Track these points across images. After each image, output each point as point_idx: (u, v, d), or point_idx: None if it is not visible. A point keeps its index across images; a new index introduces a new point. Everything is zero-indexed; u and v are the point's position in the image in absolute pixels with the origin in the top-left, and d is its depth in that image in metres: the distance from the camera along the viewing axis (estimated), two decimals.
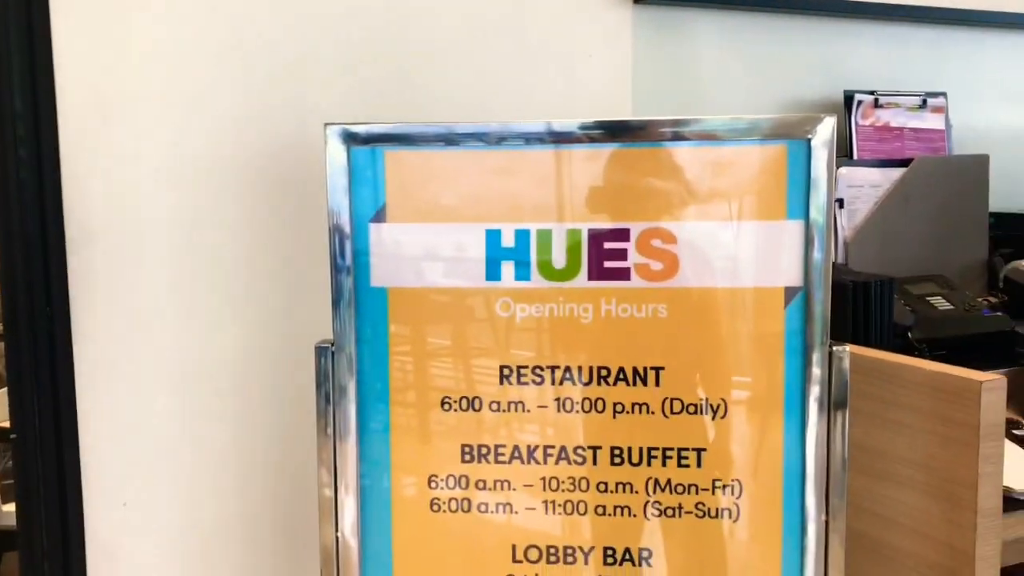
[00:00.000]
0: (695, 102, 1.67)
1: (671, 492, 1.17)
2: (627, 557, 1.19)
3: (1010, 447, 1.28)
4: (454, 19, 1.51)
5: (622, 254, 1.16)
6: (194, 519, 1.44)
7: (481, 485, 1.20)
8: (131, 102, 1.36)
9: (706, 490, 1.17)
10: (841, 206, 1.68)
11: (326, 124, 1.17)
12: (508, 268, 1.18)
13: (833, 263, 1.63)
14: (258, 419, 1.46)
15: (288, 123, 1.44)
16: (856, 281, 1.41)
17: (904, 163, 1.74)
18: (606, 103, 1.59)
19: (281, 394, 1.47)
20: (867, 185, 1.70)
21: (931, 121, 1.82)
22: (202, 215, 1.41)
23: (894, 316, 1.44)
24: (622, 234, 1.16)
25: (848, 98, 1.74)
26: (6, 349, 1.40)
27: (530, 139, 1.17)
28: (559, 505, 1.19)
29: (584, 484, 1.19)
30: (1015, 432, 1.42)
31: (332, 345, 1.18)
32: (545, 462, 1.19)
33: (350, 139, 1.17)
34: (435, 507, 1.20)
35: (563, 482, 1.19)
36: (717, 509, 1.17)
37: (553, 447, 1.19)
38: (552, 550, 1.20)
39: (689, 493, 1.17)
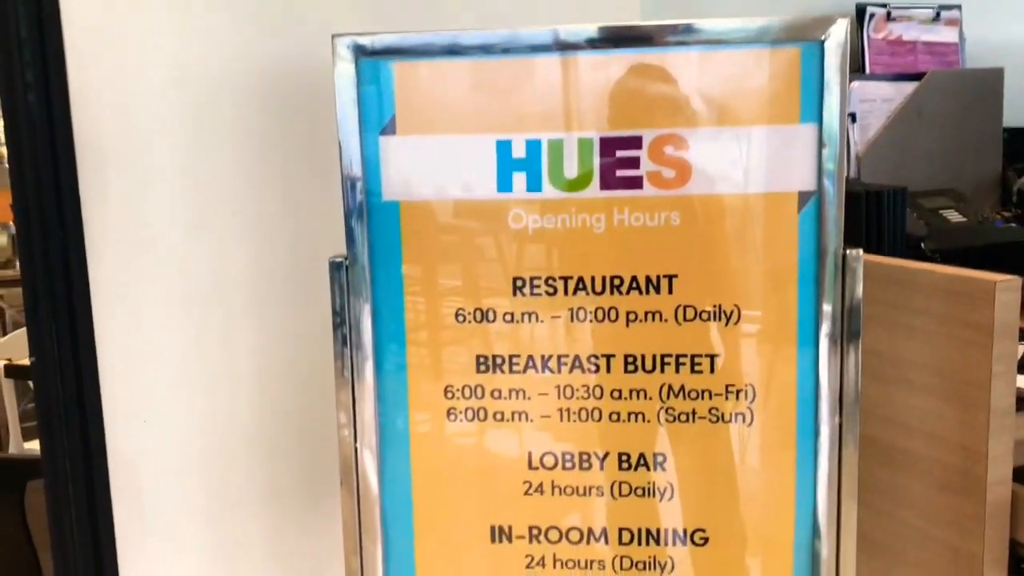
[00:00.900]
0: (704, 12, 1.64)
1: (684, 398, 1.19)
2: (641, 462, 1.20)
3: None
4: None
5: (634, 162, 1.16)
6: (213, 434, 1.46)
7: (496, 395, 1.21)
8: (136, 20, 1.35)
9: (719, 395, 1.18)
10: (853, 121, 1.67)
11: (334, 36, 1.16)
12: (520, 179, 1.18)
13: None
14: (273, 334, 1.48)
15: (296, 36, 1.42)
16: (869, 191, 1.40)
17: (917, 77, 1.72)
18: (614, 7, 1.57)
19: (295, 310, 1.48)
20: (879, 100, 1.69)
21: (945, 34, 1.79)
22: (212, 133, 1.40)
23: (907, 227, 1.44)
24: (634, 142, 1.16)
25: (860, 11, 1.72)
26: (22, 276, 1.41)
27: (538, 48, 1.16)
28: (574, 413, 1.21)
29: (598, 392, 1.20)
30: None
31: (346, 260, 1.19)
32: (559, 371, 1.20)
33: (358, 51, 1.16)
34: (451, 417, 1.22)
35: (577, 390, 1.20)
36: (731, 414, 1.18)
37: (567, 356, 1.20)
38: (567, 457, 1.21)
39: (703, 399, 1.18)
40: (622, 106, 1.16)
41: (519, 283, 1.19)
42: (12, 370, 3.03)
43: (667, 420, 1.19)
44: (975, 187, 1.78)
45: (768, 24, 1.13)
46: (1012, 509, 1.16)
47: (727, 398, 1.18)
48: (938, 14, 1.78)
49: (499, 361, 1.21)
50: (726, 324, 1.17)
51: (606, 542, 1.23)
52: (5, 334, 4.01)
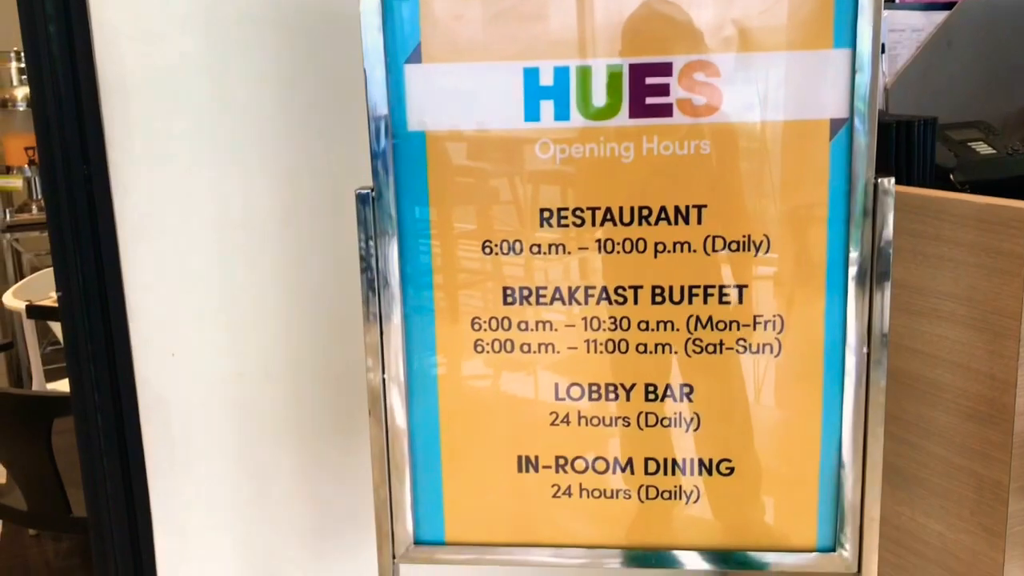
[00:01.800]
0: None
1: (712, 329, 1.18)
2: (668, 393, 1.21)
3: None
4: None
5: (664, 89, 1.14)
6: (242, 367, 1.47)
7: (523, 327, 1.21)
8: None
9: (747, 326, 1.18)
10: (883, 51, 1.64)
11: None
12: (547, 108, 1.16)
13: None
14: (299, 267, 1.48)
15: None
16: (899, 121, 1.38)
17: (948, 6, 1.68)
18: None
19: (322, 242, 1.48)
20: (909, 29, 1.65)
21: None
22: (236, 63, 1.39)
23: (936, 159, 1.42)
24: (664, 68, 1.14)
25: None
26: (47, 210, 1.41)
27: None
28: (600, 344, 1.21)
29: (625, 323, 1.20)
30: None
31: (372, 191, 1.18)
32: (586, 303, 1.20)
33: None
34: (478, 349, 1.22)
35: (604, 322, 1.20)
36: (758, 345, 1.18)
37: (594, 288, 1.20)
38: (594, 388, 1.22)
39: (730, 329, 1.18)
40: (652, 32, 1.14)
41: (546, 214, 1.19)
42: (34, 311, 3.05)
43: (694, 351, 1.19)
44: (1005, 118, 1.75)
45: None
46: None
47: (755, 329, 1.18)
48: None
49: (526, 293, 1.21)
50: (755, 255, 1.16)
51: (632, 472, 1.24)
52: (23, 277, 4.03)
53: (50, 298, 3.05)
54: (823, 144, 1.13)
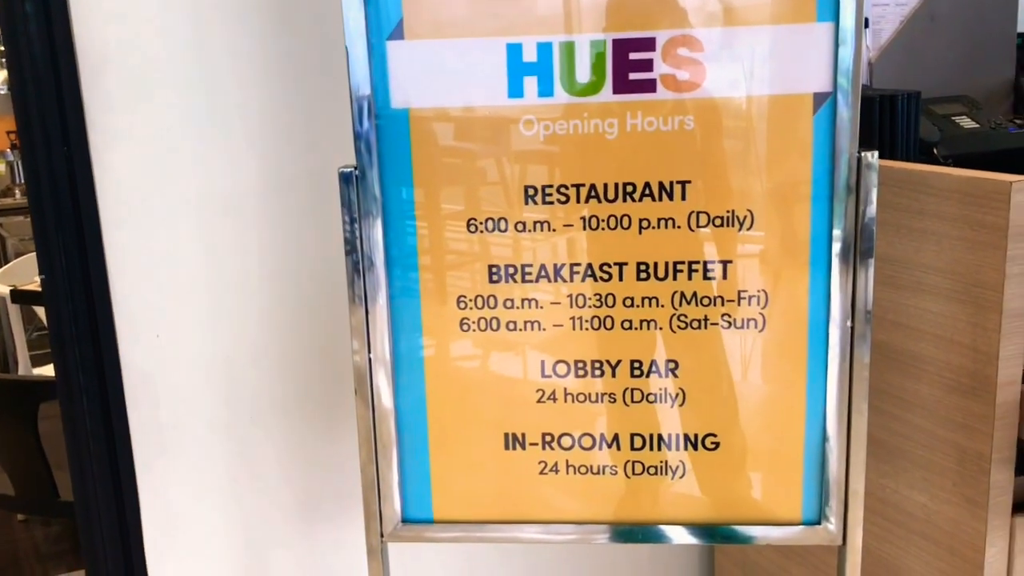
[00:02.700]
0: None
1: (697, 304, 1.19)
2: (654, 369, 1.21)
3: None
4: None
5: (647, 65, 1.14)
6: (228, 348, 1.47)
7: (509, 304, 1.21)
8: None
9: (731, 302, 1.18)
10: (866, 26, 1.63)
11: None
12: (531, 84, 1.16)
13: None
14: (286, 247, 1.47)
15: None
16: (883, 95, 1.38)
17: None
18: None
19: (306, 221, 1.47)
20: (892, 3, 1.65)
21: None
22: (216, 41, 1.38)
23: (920, 132, 1.42)
24: (647, 43, 1.13)
25: None
26: (28, 191, 1.40)
27: None
28: (586, 321, 1.21)
29: (610, 300, 1.20)
30: None
31: (355, 170, 1.18)
32: (572, 280, 1.20)
33: None
34: (464, 327, 1.22)
35: (590, 298, 1.20)
36: (742, 320, 1.19)
37: (579, 265, 1.20)
38: (580, 364, 1.22)
39: (715, 305, 1.19)
40: (635, 7, 1.13)
41: (530, 192, 1.19)
42: (18, 295, 3.03)
43: (679, 327, 1.19)
44: (988, 93, 1.76)
45: None
46: (1021, 409, 1.17)
47: (739, 304, 1.18)
48: None
49: (511, 271, 1.21)
50: (739, 230, 1.16)
51: (618, 448, 1.24)
52: (7, 262, 4.01)
53: (34, 283, 3.03)
54: (806, 118, 1.13)
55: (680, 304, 1.19)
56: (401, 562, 1.50)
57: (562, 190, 1.18)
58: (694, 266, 1.18)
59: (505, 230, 1.20)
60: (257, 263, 1.46)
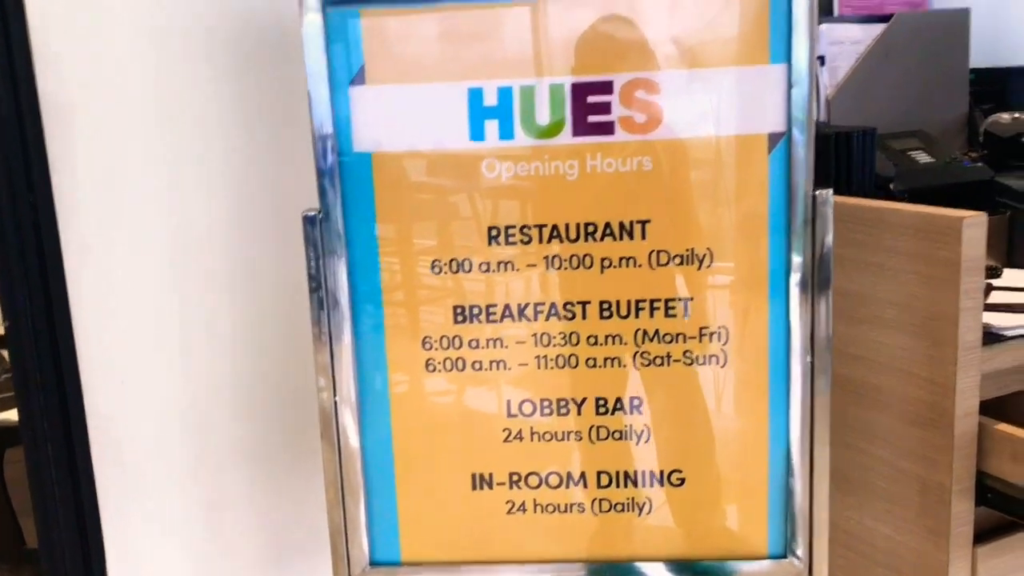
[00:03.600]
0: None
1: (659, 342, 1.20)
2: (618, 406, 1.22)
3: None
4: None
5: (606, 107, 1.16)
6: (193, 393, 1.46)
7: (474, 345, 1.22)
8: None
9: (693, 338, 1.20)
10: (823, 63, 1.68)
11: None
12: (492, 127, 1.17)
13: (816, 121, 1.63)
14: (250, 290, 1.47)
15: None
16: (838, 132, 1.41)
17: (885, 19, 1.72)
18: None
19: (272, 265, 1.47)
20: (848, 42, 1.69)
21: None
22: (181, 85, 1.39)
23: (875, 167, 1.45)
24: (605, 87, 1.15)
25: None
26: None
27: None
28: (551, 360, 1.22)
29: (575, 338, 1.21)
30: (991, 281, 1.45)
31: (319, 214, 1.18)
32: (536, 319, 1.21)
33: (325, 0, 1.15)
34: (430, 368, 1.23)
35: (554, 338, 1.21)
36: (705, 356, 1.20)
37: (543, 304, 1.21)
38: (545, 403, 1.23)
39: (677, 342, 1.20)
40: (593, 51, 1.15)
41: (494, 233, 1.20)
42: None
43: (642, 364, 1.21)
44: (943, 127, 1.80)
45: None
46: (978, 441, 1.19)
47: (701, 340, 1.20)
48: None
49: (476, 311, 1.21)
50: (699, 268, 1.18)
51: (585, 486, 1.25)
52: None
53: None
54: (762, 158, 1.15)
55: (643, 342, 1.20)
56: None
57: (525, 231, 1.19)
58: (656, 304, 1.19)
59: (470, 270, 1.21)
60: (223, 306, 1.46)
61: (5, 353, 3.31)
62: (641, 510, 1.25)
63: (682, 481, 1.24)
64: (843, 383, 1.33)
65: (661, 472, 1.23)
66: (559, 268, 1.20)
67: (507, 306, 1.21)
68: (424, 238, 1.21)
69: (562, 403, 1.23)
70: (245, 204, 1.45)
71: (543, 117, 1.17)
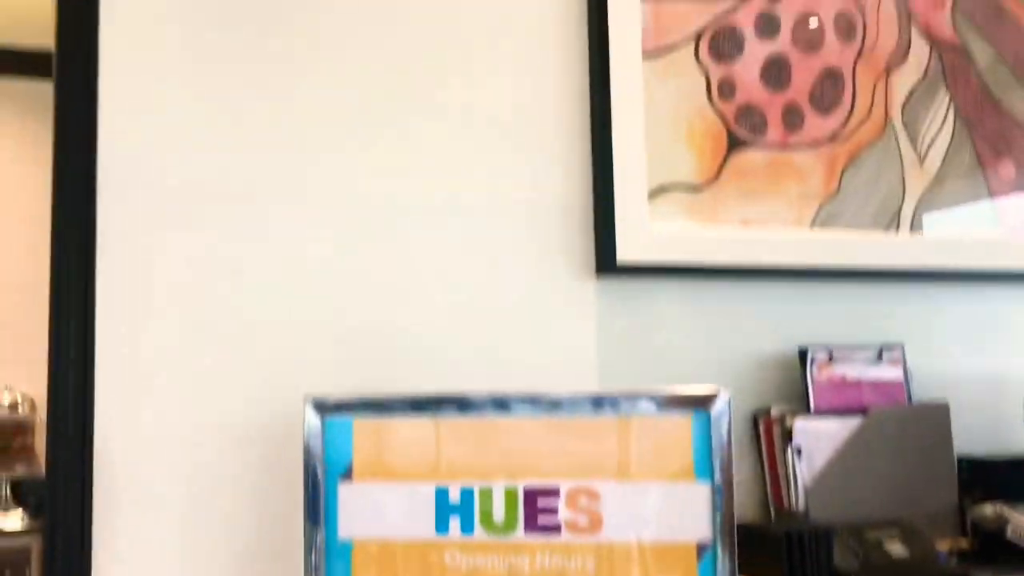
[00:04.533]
0: (659, 364, 1.86)
1: None
2: None
3: None
4: (436, 298, 1.76)
5: (553, 511, 1.32)
6: None
7: None
8: (157, 383, 1.62)
9: None
10: (799, 455, 1.81)
11: (305, 395, 1.39)
12: (455, 522, 1.35)
13: (791, 511, 1.75)
14: None
15: (289, 398, 1.67)
16: (789, 531, 1.52)
17: (862, 412, 1.87)
18: (573, 368, 1.79)
19: None
20: (825, 436, 1.83)
21: (889, 372, 1.96)
22: (209, 477, 1.62)
23: (835, 561, 1.53)
24: (553, 492, 1.33)
25: (803, 354, 1.91)
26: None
27: (475, 406, 1.37)
28: None
29: None
30: None
31: None
32: None
33: (323, 408, 1.39)
34: None
35: None
36: None
37: None
38: None
39: None
40: (545, 460, 1.34)
41: None
42: None
43: None
44: (931, 517, 1.87)
45: (667, 395, 1.32)
46: None
47: None
48: (880, 354, 1.96)
49: None
50: None
51: None
52: None
53: None
54: (692, 566, 1.28)
55: None
56: None
57: None
58: None
59: None
60: None
61: None
62: None
63: None
64: None
65: None
66: None
67: None
68: None
69: None
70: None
71: (499, 516, 1.33)
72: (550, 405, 1.36)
